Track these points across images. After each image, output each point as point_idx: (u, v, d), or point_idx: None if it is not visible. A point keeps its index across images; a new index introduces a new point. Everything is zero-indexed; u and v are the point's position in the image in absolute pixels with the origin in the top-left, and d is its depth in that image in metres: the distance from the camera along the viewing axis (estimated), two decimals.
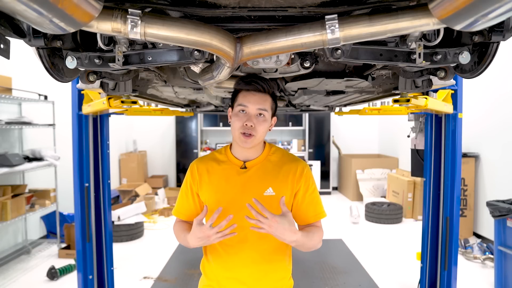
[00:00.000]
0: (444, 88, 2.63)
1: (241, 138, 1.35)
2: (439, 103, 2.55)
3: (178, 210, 1.52)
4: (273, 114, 1.45)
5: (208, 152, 8.24)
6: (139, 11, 0.93)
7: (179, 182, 8.55)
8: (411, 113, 3.19)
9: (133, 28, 0.93)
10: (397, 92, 1.95)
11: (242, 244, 1.40)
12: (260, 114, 1.37)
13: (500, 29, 1.07)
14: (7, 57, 0.92)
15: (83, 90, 2.61)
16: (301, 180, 1.43)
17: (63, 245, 4.64)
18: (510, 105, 4.47)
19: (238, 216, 1.31)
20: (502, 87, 4.62)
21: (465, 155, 4.96)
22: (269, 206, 1.35)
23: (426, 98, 2.27)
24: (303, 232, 1.31)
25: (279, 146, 1.55)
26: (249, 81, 1.38)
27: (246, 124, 1.34)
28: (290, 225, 1.23)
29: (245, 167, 1.43)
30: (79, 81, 1.52)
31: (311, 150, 8.53)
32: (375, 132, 9.05)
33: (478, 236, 5.07)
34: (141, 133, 8.55)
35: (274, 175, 1.41)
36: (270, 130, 1.45)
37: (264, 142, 1.51)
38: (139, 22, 0.93)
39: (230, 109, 1.47)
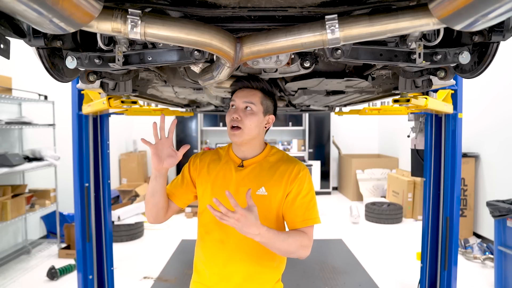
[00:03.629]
0: (444, 88, 2.63)
1: (230, 132, 1.40)
2: (439, 103, 2.55)
3: (170, 190, 1.52)
4: (270, 112, 1.47)
5: None
6: (139, 11, 0.93)
7: None
8: (411, 113, 3.18)
9: (133, 28, 0.93)
10: (397, 92, 1.95)
11: (231, 240, 1.39)
12: (247, 107, 1.40)
13: (500, 29, 1.06)
14: (7, 57, 0.92)
15: (83, 90, 2.61)
16: (294, 181, 1.40)
17: (63, 245, 4.64)
18: (510, 104, 4.47)
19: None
20: (501, 86, 4.62)
21: (465, 155, 4.96)
22: (260, 205, 1.36)
23: (426, 98, 2.27)
24: (274, 230, 1.25)
25: (280, 149, 1.55)
26: (238, 79, 1.46)
27: (233, 117, 1.39)
28: (256, 220, 1.18)
29: (242, 165, 1.45)
30: (79, 81, 1.52)
31: (311, 150, 8.53)
32: (375, 132, 9.05)
33: (478, 236, 5.07)
34: (141, 133, 8.50)
35: (269, 175, 1.42)
36: (266, 127, 1.47)
37: (266, 144, 1.52)
38: (139, 22, 0.93)
39: None
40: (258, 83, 1.44)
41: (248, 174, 1.43)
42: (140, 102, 3.08)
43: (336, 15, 0.98)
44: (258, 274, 1.42)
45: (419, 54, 1.12)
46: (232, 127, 1.39)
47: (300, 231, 1.37)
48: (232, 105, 1.44)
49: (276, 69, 1.56)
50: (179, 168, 8.54)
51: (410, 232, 5.50)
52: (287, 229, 1.45)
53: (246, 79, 1.44)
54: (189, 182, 1.51)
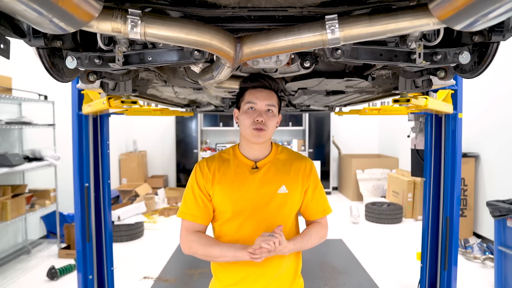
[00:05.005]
0: (444, 88, 2.63)
1: (253, 133, 1.38)
2: (439, 103, 2.55)
3: (193, 214, 1.41)
4: (279, 111, 1.47)
5: (208, 152, 8.24)
6: (139, 11, 0.93)
7: (179, 182, 8.55)
8: (411, 113, 3.18)
9: (133, 28, 0.93)
10: (397, 92, 1.95)
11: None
12: (269, 109, 1.40)
13: (500, 29, 1.06)
14: (7, 57, 0.92)
15: (83, 90, 2.61)
16: (310, 177, 1.48)
17: (63, 245, 4.64)
18: (510, 105, 4.47)
19: (253, 215, 1.40)
20: (501, 86, 4.61)
21: (465, 155, 4.96)
22: (284, 203, 1.42)
23: (426, 98, 2.27)
24: (297, 238, 1.40)
25: (283, 145, 1.59)
26: (255, 78, 1.42)
27: (257, 120, 1.37)
28: (285, 242, 1.30)
29: (256, 167, 1.44)
30: (79, 81, 1.52)
31: (311, 150, 8.53)
32: (375, 132, 9.05)
33: (478, 236, 5.07)
34: (141, 133, 8.55)
35: (286, 173, 1.45)
36: (277, 127, 1.47)
37: (271, 142, 1.54)
38: (139, 22, 0.93)
39: (236, 110, 1.48)
40: (276, 84, 1.44)
41: (264, 175, 1.43)
42: (140, 102, 3.08)
43: (336, 15, 0.98)
44: (281, 270, 1.43)
45: (419, 54, 1.12)
46: (256, 129, 1.37)
47: (317, 223, 1.51)
48: (251, 107, 1.39)
49: (276, 69, 1.56)
50: (180, 171, 8.53)
51: (410, 232, 5.50)
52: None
53: (263, 79, 1.41)
54: (204, 199, 1.42)
